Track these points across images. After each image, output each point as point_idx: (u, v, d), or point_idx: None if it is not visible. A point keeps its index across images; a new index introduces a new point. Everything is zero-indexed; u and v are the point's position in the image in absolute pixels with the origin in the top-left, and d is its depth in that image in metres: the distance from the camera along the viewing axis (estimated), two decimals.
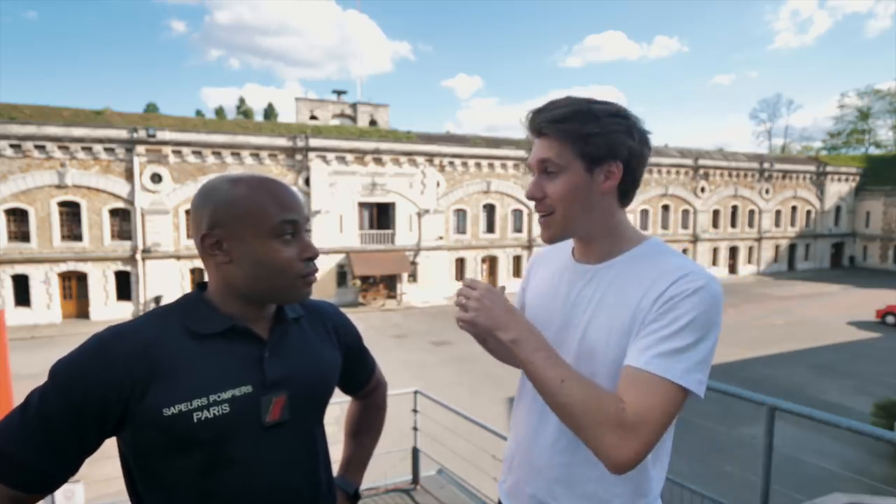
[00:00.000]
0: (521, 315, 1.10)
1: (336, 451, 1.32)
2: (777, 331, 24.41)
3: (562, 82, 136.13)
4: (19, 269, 24.11)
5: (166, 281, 25.88)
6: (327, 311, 1.32)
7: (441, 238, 31.81)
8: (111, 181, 25.11)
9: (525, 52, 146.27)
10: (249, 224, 1.04)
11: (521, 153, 33.57)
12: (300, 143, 28.21)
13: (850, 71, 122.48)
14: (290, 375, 1.11)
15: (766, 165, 42.48)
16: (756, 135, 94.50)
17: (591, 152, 1.09)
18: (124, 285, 25.82)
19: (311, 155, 28.31)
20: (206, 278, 1.14)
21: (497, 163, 33.18)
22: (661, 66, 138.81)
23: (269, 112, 56.48)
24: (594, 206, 1.13)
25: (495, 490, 1.53)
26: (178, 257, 26.15)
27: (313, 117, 37.36)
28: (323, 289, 28.19)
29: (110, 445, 1.05)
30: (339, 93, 40.04)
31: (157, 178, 25.67)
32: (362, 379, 1.43)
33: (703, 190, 39.88)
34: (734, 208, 41.68)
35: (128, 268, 25.66)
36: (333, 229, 28.92)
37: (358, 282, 29.55)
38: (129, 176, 25.27)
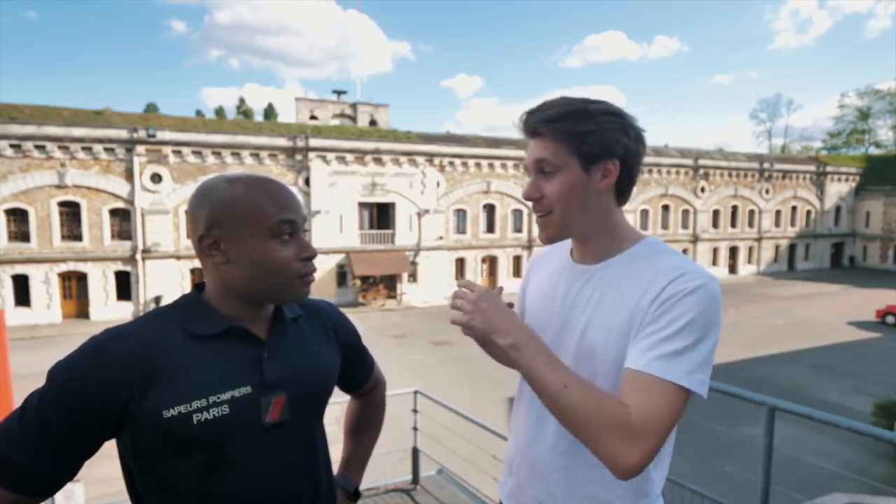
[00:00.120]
0: (520, 319, 1.09)
1: (336, 451, 1.32)
2: (777, 331, 24.41)
3: (562, 82, 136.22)
4: (19, 269, 24.12)
5: (166, 281, 25.88)
6: (326, 310, 1.32)
7: (441, 238, 31.81)
8: (111, 181, 25.11)
9: (525, 52, 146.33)
10: (247, 224, 1.04)
11: (521, 153, 33.53)
12: (300, 143, 28.21)
13: (850, 71, 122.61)
14: (289, 375, 1.11)
15: (766, 165, 42.48)
16: (756, 135, 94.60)
17: (587, 151, 1.09)
18: (124, 285, 25.82)
19: (311, 155, 28.32)
20: (205, 278, 1.14)
21: (497, 163, 33.19)
22: (661, 66, 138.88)
23: (269, 112, 56.49)
24: (591, 205, 1.13)
25: (495, 490, 1.53)
26: (178, 257, 26.16)
27: (313, 117, 37.36)
28: (323, 289, 28.19)
29: (110, 445, 1.05)
30: (339, 93, 40.04)
31: (157, 178, 25.67)
32: (361, 377, 1.43)
33: (703, 190, 39.88)
34: (734, 208, 41.68)
35: (128, 268, 25.66)
36: (333, 229, 28.93)
37: (358, 282, 29.56)
38: (129, 176, 25.28)
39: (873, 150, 59.65)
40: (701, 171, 39.69)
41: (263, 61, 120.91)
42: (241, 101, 60.44)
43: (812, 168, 44.57)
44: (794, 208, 44.29)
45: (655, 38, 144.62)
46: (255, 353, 1.09)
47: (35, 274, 24.32)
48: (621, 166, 1.11)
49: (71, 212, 24.83)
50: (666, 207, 38.87)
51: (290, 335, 1.17)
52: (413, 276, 31.02)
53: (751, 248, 42.74)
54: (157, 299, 25.49)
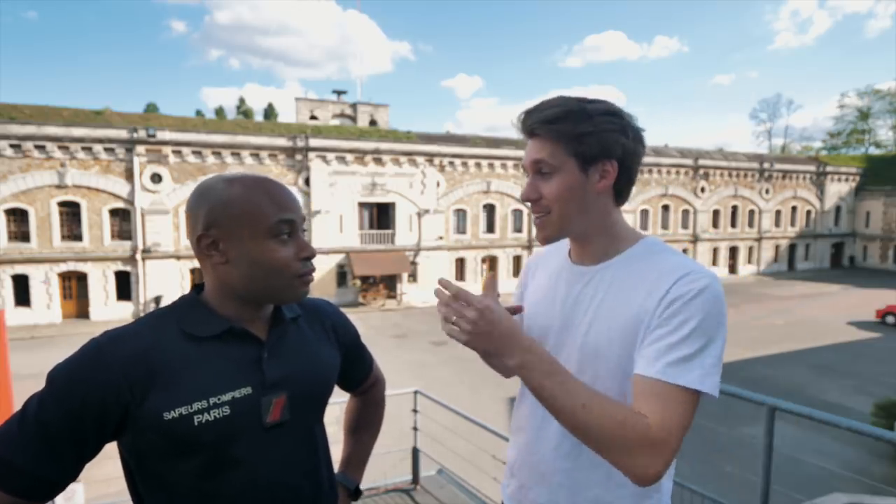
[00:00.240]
0: (525, 336, 1.03)
1: (336, 451, 1.32)
2: (777, 331, 24.41)
3: (562, 82, 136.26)
4: (19, 269, 24.11)
5: (166, 281, 25.88)
6: (325, 309, 1.31)
7: (441, 238, 31.81)
8: (111, 181, 25.11)
9: (525, 52, 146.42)
10: (245, 224, 1.04)
11: (521, 153, 32.87)
12: (300, 143, 28.21)
13: (850, 71, 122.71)
14: (289, 376, 1.11)
15: (766, 165, 42.48)
16: (756, 135, 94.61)
17: (585, 151, 1.08)
18: (124, 285, 25.82)
19: (311, 155, 28.31)
20: (204, 279, 1.14)
21: (497, 163, 33.19)
22: (661, 66, 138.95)
23: (269, 112, 56.48)
24: (590, 205, 1.12)
25: (495, 490, 1.53)
26: (178, 257, 26.15)
27: (313, 117, 37.36)
28: (323, 289, 28.19)
29: (110, 446, 1.05)
30: (339, 93, 40.05)
31: (157, 178, 25.67)
32: (360, 376, 1.43)
33: (703, 190, 39.88)
34: (734, 208, 41.67)
35: (128, 268, 25.66)
36: (333, 229, 28.92)
37: (358, 282, 29.56)
38: (129, 176, 25.27)
39: (873, 150, 59.66)
40: (701, 171, 39.68)
41: (263, 61, 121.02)
42: (241, 101, 60.46)
43: (812, 168, 44.57)
44: (794, 208, 44.29)
45: (655, 38, 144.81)
46: (255, 353, 1.09)
47: (35, 274, 24.32)
48: (619, 167, 1.11)
49: (71, 212, 24.82)
50: (666, 207, 38.87)
51: (289, 335, 1.17)
52: (413, 276, 31.02)
53: (751, 248, 42.74)
54: (157, 299, 25.49)
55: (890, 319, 25.85)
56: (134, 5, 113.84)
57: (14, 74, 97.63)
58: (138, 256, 25.46)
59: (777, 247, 43.93)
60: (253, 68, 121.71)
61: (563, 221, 1.13)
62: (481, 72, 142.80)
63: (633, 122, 1.13)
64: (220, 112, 53.28)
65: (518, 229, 34.42)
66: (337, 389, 1.30)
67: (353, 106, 38.59)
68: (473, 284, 32.94)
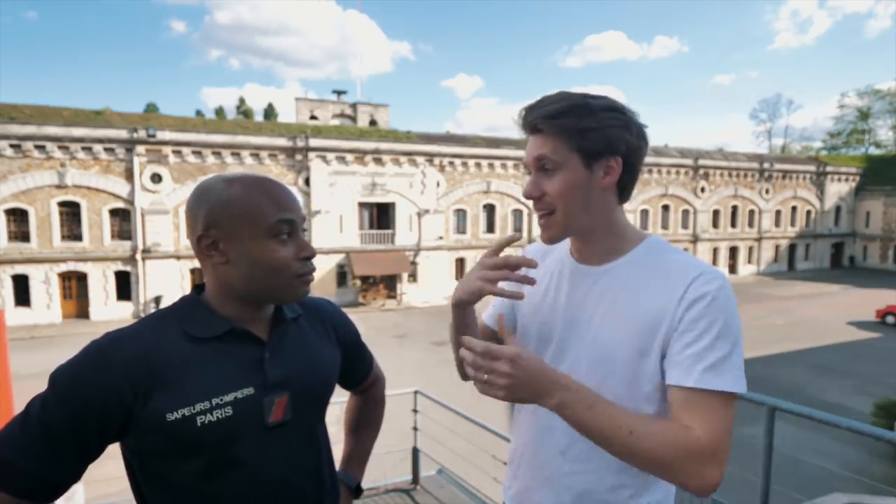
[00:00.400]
0: (559, 373, 1.01)
1: (336, 450, 1.32)
2: (777, 331, 24.41)
3: (562, 82, 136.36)
4: (19, 269, 24.11)
5: (166, 281, 25.87)
6: (325, 308, 1.32)
7: (441, 238, 31.81)
8: (111, 181, 25.10)
9: (525, 52, 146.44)
10: (245, 224, 1.04)
11: (521, 153, 33.37)
12: (300, 143, 28.20)
13: (850, 71, 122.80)
14: (290, 375, 1.11)
15: (766, 165, 42.47)
16: (756, 135, 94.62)
17: (589, 147, 1.06)
18: (124, 285, 25.81)
19: (311, 155, 28.31)
20: (204, 279, 1.14)
21: (497, 163, 33.18)
22: (661, 66, 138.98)
23: (269, 112, 56.48)
24: (594, 203, 1.10)
25: (495, 490, 1.53)
26: (178, 257, 26.15)
27: (313, 117, 37.35)
28: (323, 289, 28.18)
29: (112, 446, 1.05)
30: (339, 93, 40.04)
31: (157, 178, 25.66)
32: (361, 374, 1.43)
33: (703, 190, 39.88)
34: (734, 208, 41.67)
35: (128, 268, 25.66)
36: (333, 229, 28.92)
37: (358, 282, 29.55)
38: (129, 176, 25.27)
39: (873, 150, 59.64)
40: (701, 171, 39.68)
41: (263, 61, 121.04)
42: (241, 101, 60.45)
43: (812, 168, 44.56)
44: (794, 208, 44.28)
45: (655, 38, 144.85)
46: (256, 353, 1.09)
47: (35, 274, 24.31)
48: (623, 163, 1.09)
49: (71, 212, 24.82)
50: (666, 207, 38.87)
51: (290, 335, 1.17)
52: (413, 276, 31.02)
53: (751, 248, 42.73)
54: (157, 299, 25.48)
55: (890, 319, 25.85)
56: (134, 5, 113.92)
57: (14, 74, 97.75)
58: (138, 256, 25.46)
59: (777, 247, 43.92)
60: (253, 68, 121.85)
61: (568, 219, 1.10)
62: (481, 72, 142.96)
63: (635, 118, 1.11)
64: (220, 112, 53.27)
65: (518, 229, 34.39)
66: (337, 389, 1.31)
67: (353, 106, 38.58)
68: None
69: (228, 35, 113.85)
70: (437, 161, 31.36)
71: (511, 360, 0.96)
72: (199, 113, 47.85)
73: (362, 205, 30.09)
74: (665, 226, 38.89)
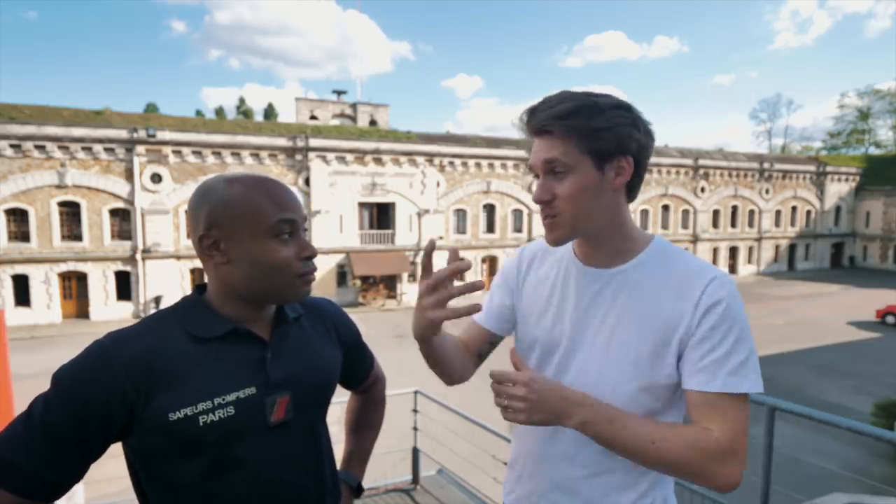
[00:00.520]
0: (574, 392, 1.04)
1: (337, 450, 1.32)
2: (777, 331, 24.40)
3: (562, 82, 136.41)
4: (19, 269, 24.11)
5: (166, 281, 25.88)
6: (327, 308, 1.32)
7: (441, 238, 31.80)
8: (111, 181, 25.10)
9: (525, 52, 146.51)
10: (246, 224, 1.04)
11: (521, 153, 33.53)
12: (300, 143, 28.20)
13: (850, 71, 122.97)
14: (292, 375, 1.12)
15: (766, 165, 42.47)
16: (756, 135, 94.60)
17: (601, 148, 1.03)
18: (124, 285, 25.81)
19: (311, 155, 28.31)
20: (206, 279, 1.15)
21: (497, 163, 33.18)
22: (661, 66, 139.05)
23: (269, 112, 56.47)
24: (604, 204, 1.08)
25: (495, 490, 1.53)
26: (178, 257, 26.15)
27: (313, 117, 37.35)
28: (323, 289, 28.18)
29: (112, 445, 1.05)
30: (339, 93, 40.04)
31: (157, 178, 25.67)
32: (361, 374, 1.43)
33: (703, 190, 39.87)
34: (734, 208, 41.66)
35: (128, 268, 25.66)
36: (333, 229, 28.92)
37: (358, 282, 29.55)
38: (129, 176, 25.27)
39: (873, 150, 59.64)
40: (701, 171, 39.68)
41: (263, 61, 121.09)
42: (241, 101, 60.44)
43: (812, 168, 44.56)
44: (794, 208, 44.28)
45: (655, 38, 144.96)
46: (258, 353, 1.09)
47: (35, 274, 24.31)
48: (634, 163, 1.07)
49: (71, 212, 24.82)
50: (666, 207, 38.86)
51: (292, 335, 1.17)
52: (413, 276, 30.99)
53: (751, 248, 42.73)
54: (157, 299, 25.48)
55: (890, 319, 25.84)
56: (134, 5, 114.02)
57: (14, 74, 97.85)
58: (138, 256, 25.46)
59: (777, 247, 43.92)
60: (253, 68, 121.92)
61: (577, 222, 1.08)
62: (481, 72, 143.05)
63: (642, 115, 1.09)
64: (220, 112, 53.26)
65: (518, 229, 34.39)
66: (338, 389, 1.31)
67: (353, 106, 38.58)
68: None
69: (228, 35, 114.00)
70: (437, 161, 31.36)
71: (525, 383, 1.01)
72: (199, 113, 47.85)
73: (362, 205, 30.10)
74: (665, 226, 38.89)
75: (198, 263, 25.75)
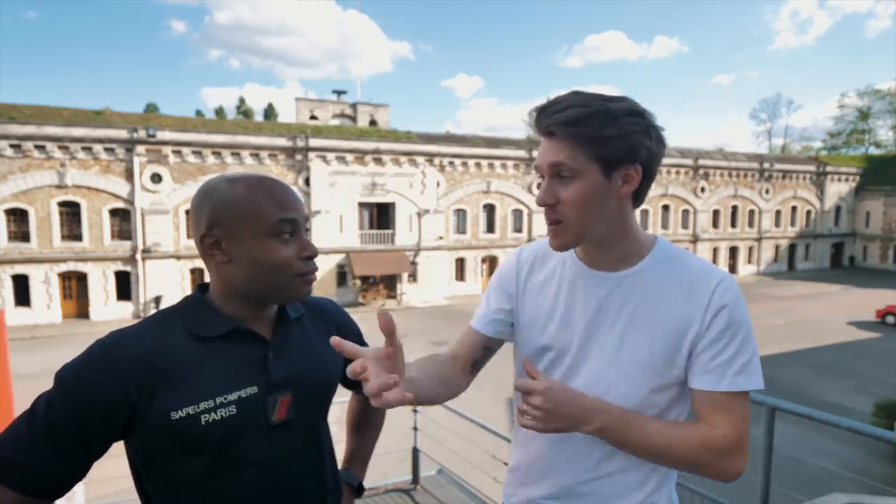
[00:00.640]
0: (591, 399, 1.06)
1: (338, 450, 1.32)
2: (777, 331, 24.39)
3: (562, 82, 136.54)
4: (19, 269, 24.11)
5: (166, 281, 25.87)
6: (328, 308, 1.32)
7: (441, 238, 31.80)
8: (111, 181, 25.11)
9: (525, 52, 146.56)
10: (247, 223, 1.05)
11: (522, 153, 33.54)
12: (300, 143, 28.20)
13: (850, 71, 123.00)
14: (294, 375, 1.12)
15: (766, 165, 42.47)
16: (756, 135, 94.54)
17: (610, 156, 1.01)
18: (124, 285, 25.81)
19: (311, 155, 28.31)
20: (208, 279, 1.15)
21: (497, 163, 33.18)
22: (661, 66, 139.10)
23: (269, 112, 56.47)
24: (610, 211, 1.06)
25: (495, 490, 1.52)
26: (178, 257, 26.15)
27: (313, 117, 37.35)
28: (323, 289, 28.17)
29: (113, 445, 1.06)
30: (339, 93, 40.04)
31: (157, 178, 25.67)
32: None
33: (703, 190, 39.87)
34: (734, 208, 41.67)
35: (128, 268, 25.66)
36: (333, 229, 28.92)
37: (358, 282, 29.55)
38: (129, 176, 25.27)
39: (873, 150, 59.64)
40: (701, 171, 39.68)
41: (263, 61, 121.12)
42: (241, 101, 60.44)
43: (812, 168, 44.56)
44: (794, 208, 44.28)
45: (655, 38, 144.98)
46: (260, 353, 1.10)
47: (35, 274, 24.31)
48: (643, 170, 1.05)
49: (71, 212, 24.82)
50: (666, 207, 38.87)
51: (294, 334, 1.18)
52: (413, 276, 31.02)
53: (751, 248, 42.73)
54: (157, 299, 25.48)
55: (890, 319, 25.84)
56: (134, 5, 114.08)
57: (14, 74, 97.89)
58: (138, 256, 25.46)
59: (777, 247, 43.92)
60: (253, 68, 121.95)
61: (582, 229, 1.06)
62: (481, 72, 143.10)
63: (654, 121, 1.07)
64: (220, 112, 53.27)
65: (518, 229, 34.39)
66: (339, 389, 1.31)
67: (353, 106, 38.58)
68: (473, 285, 32.96)
69: (228, 35, 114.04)
70: (437, 161, 31.36)
71: (541, 392, 1.03)
72: (199, 113, 47.85)
73: (362, 205, 30.10)
74: (665, 226, 38.89)
75: (198, 263, 25.78)
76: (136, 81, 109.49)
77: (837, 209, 46.13)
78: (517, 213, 34.21)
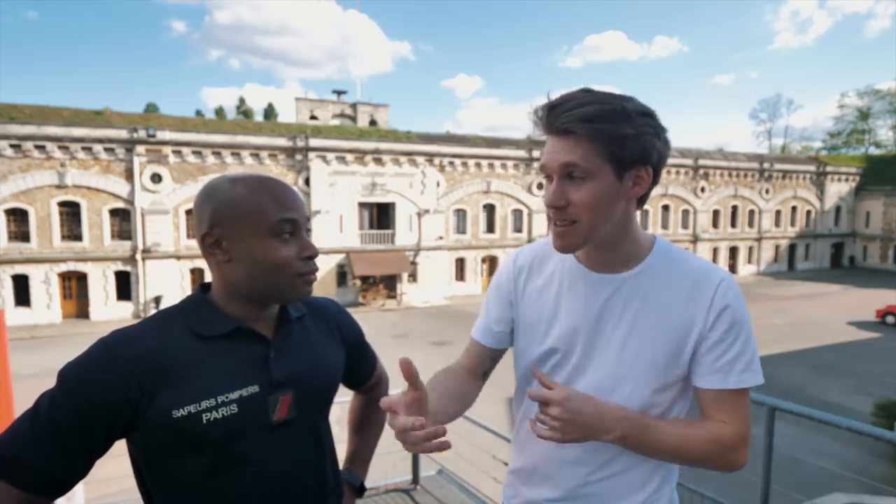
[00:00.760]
0: (610, 407, 1.05)
1: (339, 450, 1.32)
2: (777, 331, 24.39)
3: (562, 82, 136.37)
4: (19, 269, 24.11)
5: (166, 281, 25.87)
6: (330, 308, 1.33)
7: (441, 238, 31.80)
8: (111, 181, 25.11)
9: (525, 52, 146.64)
10: (247, 223, 1.05)
11: (522, 153, 33.54)
12: (300, 143, 28.21)
13: (850, 71, 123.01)
14: (295, 374, 1.13)
15: (766, 165, 42.47)
16: (756, 135, 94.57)
17: (625, 156, 0.99)
18: (124, 285, 25.82)
19: (311, 155, 28.31)
20: (209, 279, 1.16)
21: (497, 163, 33.18)
22: (661, 66, 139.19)
23: (269, 112, 56.47)
24: (618, 213, 1.04)
25: (495, 490, 1.52)
26: (178, 257, 26.15)
27: (313, 117, 37.35)
28: (323, 289, 28.17)
29: (114, 445, 1.06)
30: (339, 93, 40.04)
31: (157, 178, 25.67)
32: (365, 374, 1.44)
33: (703, 190, 39.87)
34: (734, 208, 41.67)
35: (128, 268, 25.66)
36: (333, 229, 28.92)
37: (358, 282, 29.55)
38: (129, 176, 25.27)
39: (873, 150, 59.63)
40: (701, 171, 39.68)
41: (263, 61, 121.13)
42: (241, 101, 60.42)
43: (812, 168, 44.56)
44: (794, 208, 44.28)
45: (655, 38, 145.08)
46: (261, 352, 1.10)
47: (35, 274, 24.31)
48: (653, 173, 1.04)
49: (71, 212, 24.82)
50: (666, 207, 38.87)
51: (295, 334, 1.18)
52: (413, 276, 31.02)
53: (751, 248, 42.74)
54: (157, 299, 25.49)
55: (890, 319, 25.84)
56: (134, 5, 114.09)
57: (14, 74, 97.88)
58: (138, 256, 25.46)
59: (777, 247, 43.93)
60: (253, 68, 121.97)
61: (592, 231, 1.04)
62: (481, 72, 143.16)
63: (662, 124, 1.05)
64: (220, 112, 53.26)
65: (518, 229, 34.40)
66: (341, 388, 1.31)
67: (353, 106, 38.58)
68: (473, 285, 32.96)
69: (228, 35, 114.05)
70: (437, 161, 31.36)
71: (559, 402, 1.01)
72: (199, 113, 47.84)
73: (362, 205, 30.10)
74: (665, 226, 38.90)
75: (198, 263, 25.79)
76: (136, 81, 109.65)
77: (837, 209, 46.14)
78: (517, 213, 34.21)
